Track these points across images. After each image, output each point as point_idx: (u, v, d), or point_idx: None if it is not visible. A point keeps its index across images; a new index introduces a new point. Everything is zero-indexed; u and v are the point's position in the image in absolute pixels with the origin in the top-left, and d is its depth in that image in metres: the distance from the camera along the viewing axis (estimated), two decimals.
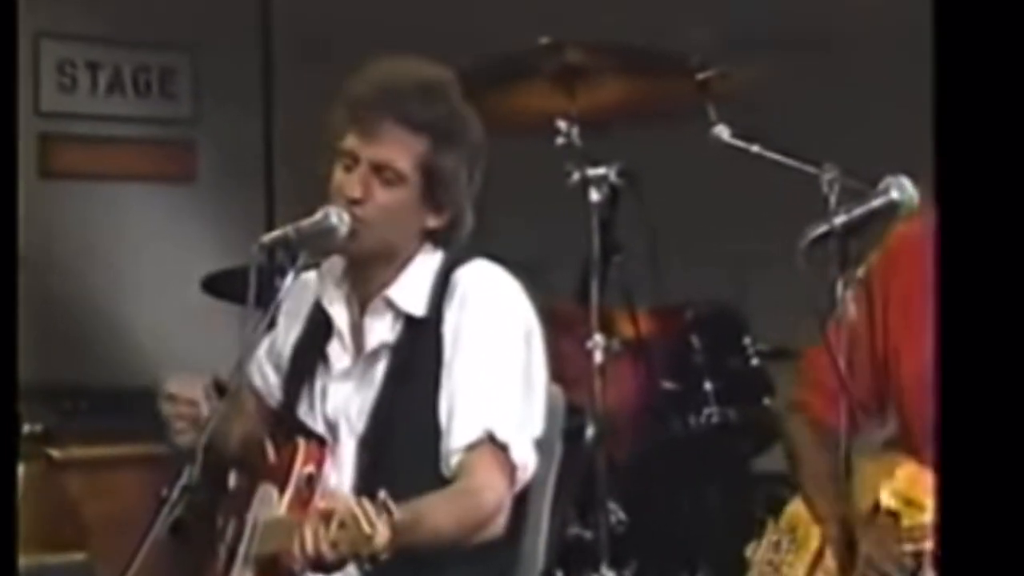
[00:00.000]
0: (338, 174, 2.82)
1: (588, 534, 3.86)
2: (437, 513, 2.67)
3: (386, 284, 2.87)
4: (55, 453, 4.04)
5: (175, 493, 2.55)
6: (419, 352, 2.84)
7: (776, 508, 2.99)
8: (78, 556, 3.89)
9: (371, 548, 2.40)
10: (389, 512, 2.42)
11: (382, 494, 2.44)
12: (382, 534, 2.40)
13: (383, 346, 2.87)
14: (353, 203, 2.79)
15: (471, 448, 2.75)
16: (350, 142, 2.81)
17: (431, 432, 2.79)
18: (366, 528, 2.40)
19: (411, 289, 2.86)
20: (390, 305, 2.87)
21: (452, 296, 2.84)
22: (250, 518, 2.89)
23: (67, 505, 3.97)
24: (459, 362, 2.80)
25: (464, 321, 2.82)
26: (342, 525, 2.43)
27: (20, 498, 3.83)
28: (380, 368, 2.87)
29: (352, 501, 2.46)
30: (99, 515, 3.96)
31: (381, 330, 2.87)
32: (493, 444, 2.76)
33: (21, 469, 3.85)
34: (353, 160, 2.81)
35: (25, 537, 3.82)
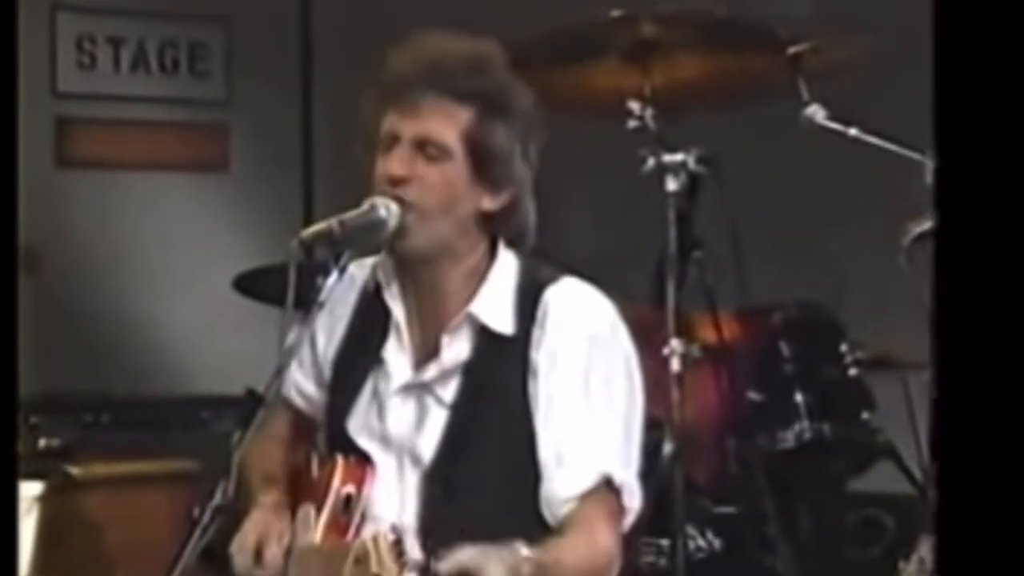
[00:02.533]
0: (379, 160, 2.81)
1: (663, 562, 3.86)
2: (565, 567, 2.64)
3: (464, 297, 2.83)
4: (75, 470, 4.07)
5: (207, 515, 2.55)
6: (502, 375, 2.81)
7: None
8: None
9: None
10: (402, 555, 2.43)
11: (390, 536, 2.45)
12: None
13: (458, 365, 2.83)
14: (396, 184, 2.77)
15: (585, 496, 2.74)
16: (390, 121, 2.81)
17: (521, 468, 2.76)
18: (374, 567, 2.40)
19: (495, 304, 2.83)
20: (472, 321, 2.83)
21: (545, 319, 2.81)
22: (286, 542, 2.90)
23: (88, 527, 4.00)
24: (562, 395, 2.78)
25: (563, 349, 2.79)
26: (357, 561, 2.43)
27: (36, 520, 3.88)
28: (452, 388, 2.83)
29: (369, 536, 2.47)
30: (123, 538, 3.98)
31: (459, 347, 2.83)
32: (608, 489, 2.75)
33: (38, 488, 3.89)
34: (393, 140, 2.80)
35: (42, 563, 3.88)
